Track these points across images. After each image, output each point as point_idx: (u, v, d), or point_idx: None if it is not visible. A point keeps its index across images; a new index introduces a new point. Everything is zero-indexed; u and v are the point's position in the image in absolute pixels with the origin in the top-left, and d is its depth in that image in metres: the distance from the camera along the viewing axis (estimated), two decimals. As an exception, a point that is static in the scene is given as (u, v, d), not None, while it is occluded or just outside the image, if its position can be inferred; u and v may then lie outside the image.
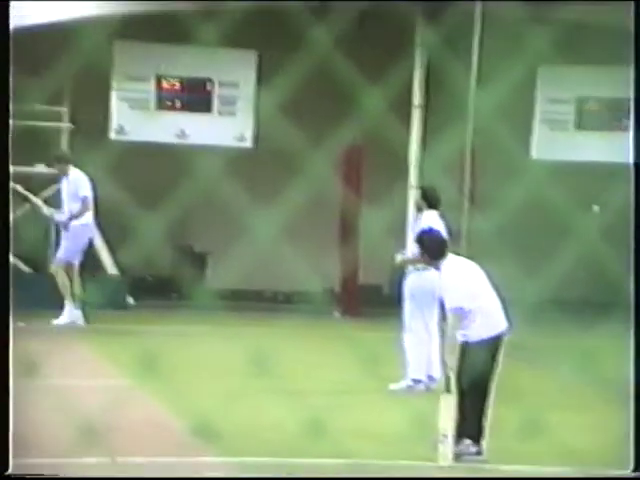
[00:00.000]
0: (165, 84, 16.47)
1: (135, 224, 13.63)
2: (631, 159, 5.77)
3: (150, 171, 16.47)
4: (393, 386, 9.39)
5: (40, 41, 13.85)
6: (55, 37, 13.92)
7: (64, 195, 13.69)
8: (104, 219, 16.13)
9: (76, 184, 13.44)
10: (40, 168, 16.01)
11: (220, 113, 16.70)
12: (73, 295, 13.36)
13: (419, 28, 15.83)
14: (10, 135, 4.68)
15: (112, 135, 16.30)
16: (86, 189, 13.45)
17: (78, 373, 9.74)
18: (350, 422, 7.84)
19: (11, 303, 4.57)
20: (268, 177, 16.55)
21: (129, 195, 14.52)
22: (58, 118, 16.02)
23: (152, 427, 7.68)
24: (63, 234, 13.59)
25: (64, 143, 16.08)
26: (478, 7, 13.93)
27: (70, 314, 13.24)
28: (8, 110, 4.67)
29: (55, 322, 13.24)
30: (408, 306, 9.67)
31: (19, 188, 14.17)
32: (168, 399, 8.43)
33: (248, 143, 16.69)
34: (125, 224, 15.18)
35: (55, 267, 13.49)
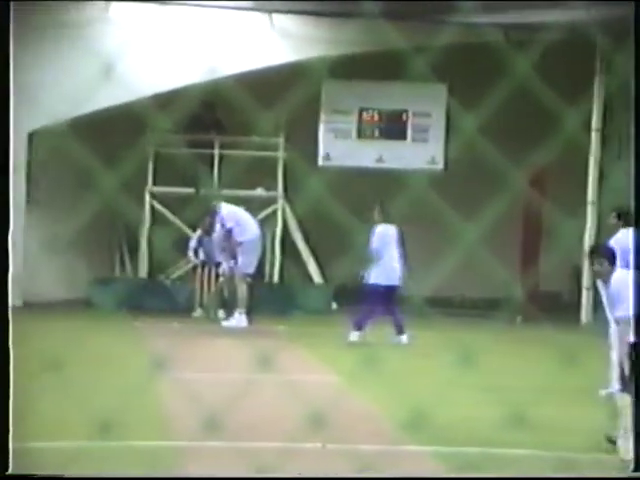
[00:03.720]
0: (366, 116, 16.84)
1: (338, 238, 13.95)
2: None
3: (352, 192, 16.81)
4: (603, 391, 8.78)
5: (259, 83, 14.40)
6: (272, 79, 14.48)
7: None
8: (311, 234, 16.59)
9: (224, 217, 13.69)
10: (260, 191, 16.65)
11: (414, 140, 16.94)
12: (244, 302, 13.61)
13: (598, 58, 15.62)
14: (10, 134, 4.25)
15: (320, 161, 16.79)
16: (230, 222, 13.65)
17: (296, 369, 9.91)
18: (543, 416, 7.73)
19: (10, 304, 4.29)
20: (457, 196, 16.60)
21: (333, 213, 14.86)
22: (275, 148, 16.63)
23: (362, 418, 7.70)
24: (239, 251, 13.72)
25: (280, 169, 16.69)
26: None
27: (239, 318, 13.53)
28: (8, 111, 4.30)
29: (224, 323, 13.64)
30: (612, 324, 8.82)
31: None
32: (377, 392, 8.50)
33: (439, 166, 16.87)
34: (329, 238, 15.56)
35: (238, 279, 13.76)
